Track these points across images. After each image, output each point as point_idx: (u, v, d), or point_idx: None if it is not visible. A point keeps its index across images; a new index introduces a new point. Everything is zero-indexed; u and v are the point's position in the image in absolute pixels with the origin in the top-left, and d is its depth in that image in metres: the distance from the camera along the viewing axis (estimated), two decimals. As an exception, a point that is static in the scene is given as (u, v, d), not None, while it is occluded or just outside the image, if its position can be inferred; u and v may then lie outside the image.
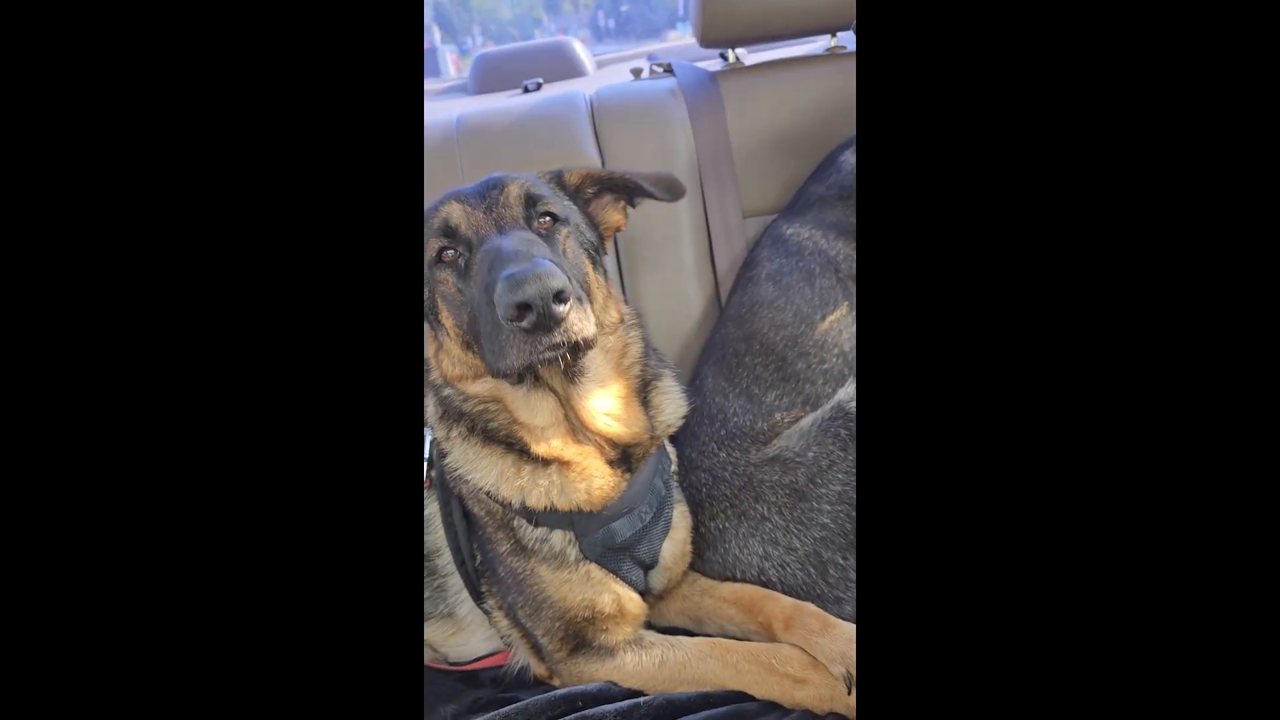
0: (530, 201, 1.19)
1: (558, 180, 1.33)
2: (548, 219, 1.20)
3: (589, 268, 1.25)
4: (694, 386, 1.61)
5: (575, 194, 1.34)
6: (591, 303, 1.19)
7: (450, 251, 1.17)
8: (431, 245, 1.18)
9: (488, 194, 1.19)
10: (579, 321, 1.04)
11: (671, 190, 1.34)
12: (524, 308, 0.98)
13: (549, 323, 1.00)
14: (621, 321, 1.33)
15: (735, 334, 1.60)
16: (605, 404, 1.26)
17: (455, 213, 1.17)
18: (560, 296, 1.00)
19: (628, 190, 1.35)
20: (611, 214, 1.37)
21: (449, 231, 1.17)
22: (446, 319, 1.21)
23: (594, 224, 1.35)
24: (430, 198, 1.98)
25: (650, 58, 2.35)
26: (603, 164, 1.93)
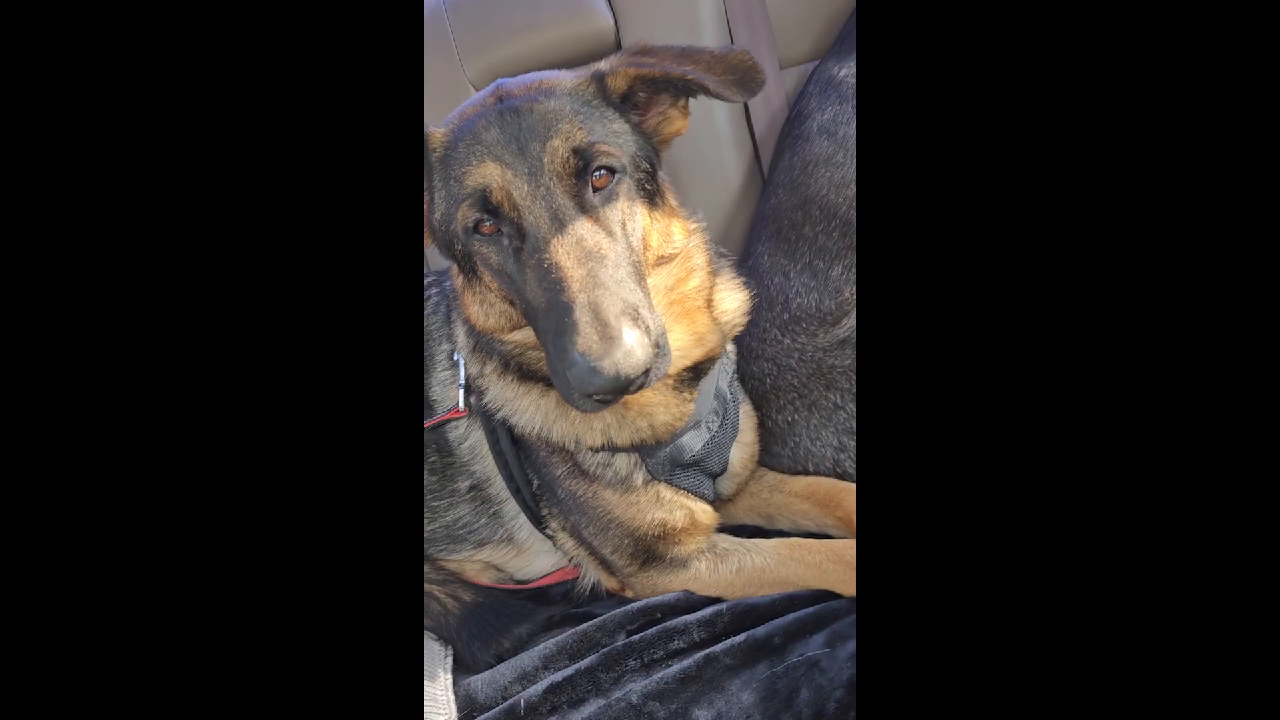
0: (582, 162, 0.95)
1: (599, 86, 1.04)
2: (603, 174, 0.97)
3: (647, 217, 1.03)
4: (747, 267, 1.45)
5: (623, 101, 1.05)
6: (649, 246, 1.03)
7: (488, 224, 0.97)
8: (466, 213, 0.97)
9: (527, 145, 0.95)
10: (655, 373, 0.91)
11: (746, 83, 1.00)
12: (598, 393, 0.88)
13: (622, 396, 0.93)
14: (687, 237, 1.13)
15: (789, 201, 1.42)
16: (672, 342, 1.06)
17: (493, 179, 0.95)
18: (645, 377, 0.89)
19: (688, 89, 1.05)
20: (671, 121, 1.09)
21: (488, 205, 0.95)
22: (488, 280, 1.03)
23: (647, 137, 1.07)
24: (431, 46, 1.76)
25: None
26: (616, 24, 1.68)
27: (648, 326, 0.90)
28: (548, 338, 0.92)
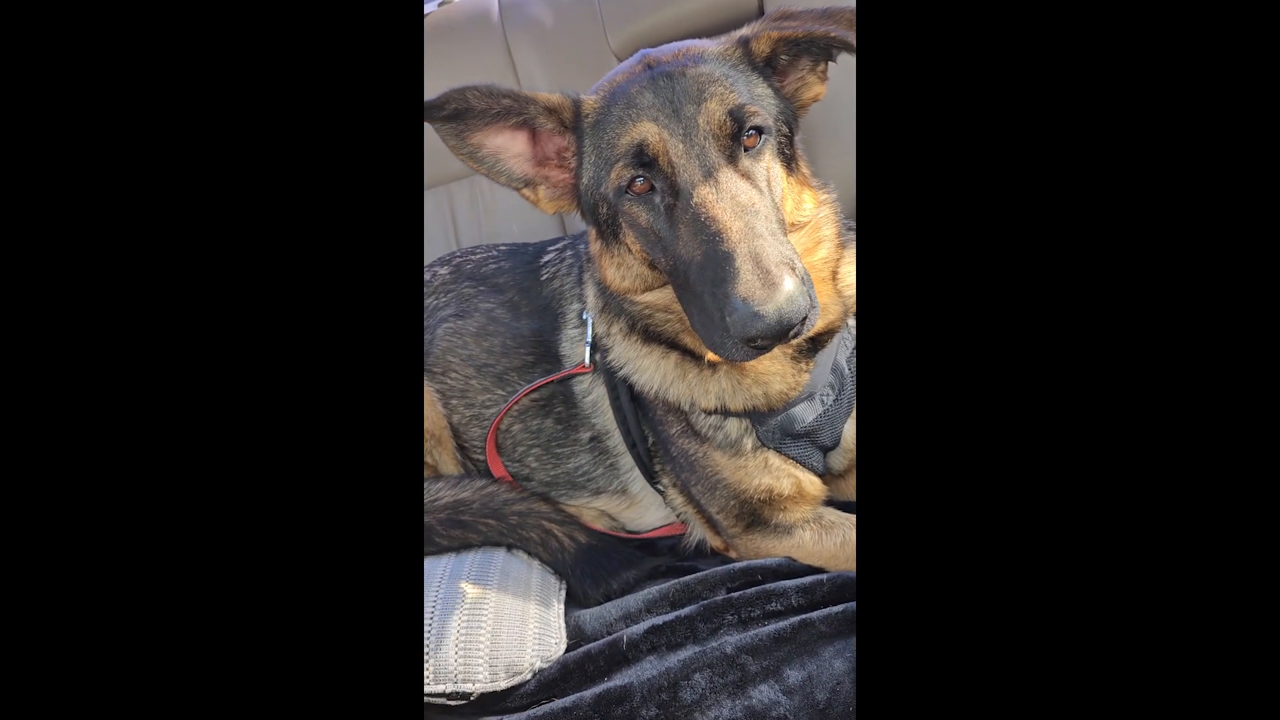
0: (736, 124, 0.99)
1: (744, 51, 1.08)
2: (752, 134, 1.01)
3: (785, 179, 1.06)
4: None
5: (765, 65, 1.08)
6: (784, 203, 1.05)
7: (641, 181, 1.02)
8: (620, 172, 1.02)
9: (682, 108, 0.99)
10: (809, 322, 0.93)
11: None
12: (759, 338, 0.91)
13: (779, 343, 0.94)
14: (818, 207, 1.15)
15: None
16: None
17: (650, 135, 0.99)
18: (802, 325, 0.91)
19: (829, 49, 1.06)
20: (810, 86, 1.11)
21: (643, 159, 1.00)
22: (630, 242, 1.09)
23: (787, 101, 1.10)
24: (577, 17, 1.82)
25: None
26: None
27: (803, 276, 0.93)
28: (704, 289, 0.95)
